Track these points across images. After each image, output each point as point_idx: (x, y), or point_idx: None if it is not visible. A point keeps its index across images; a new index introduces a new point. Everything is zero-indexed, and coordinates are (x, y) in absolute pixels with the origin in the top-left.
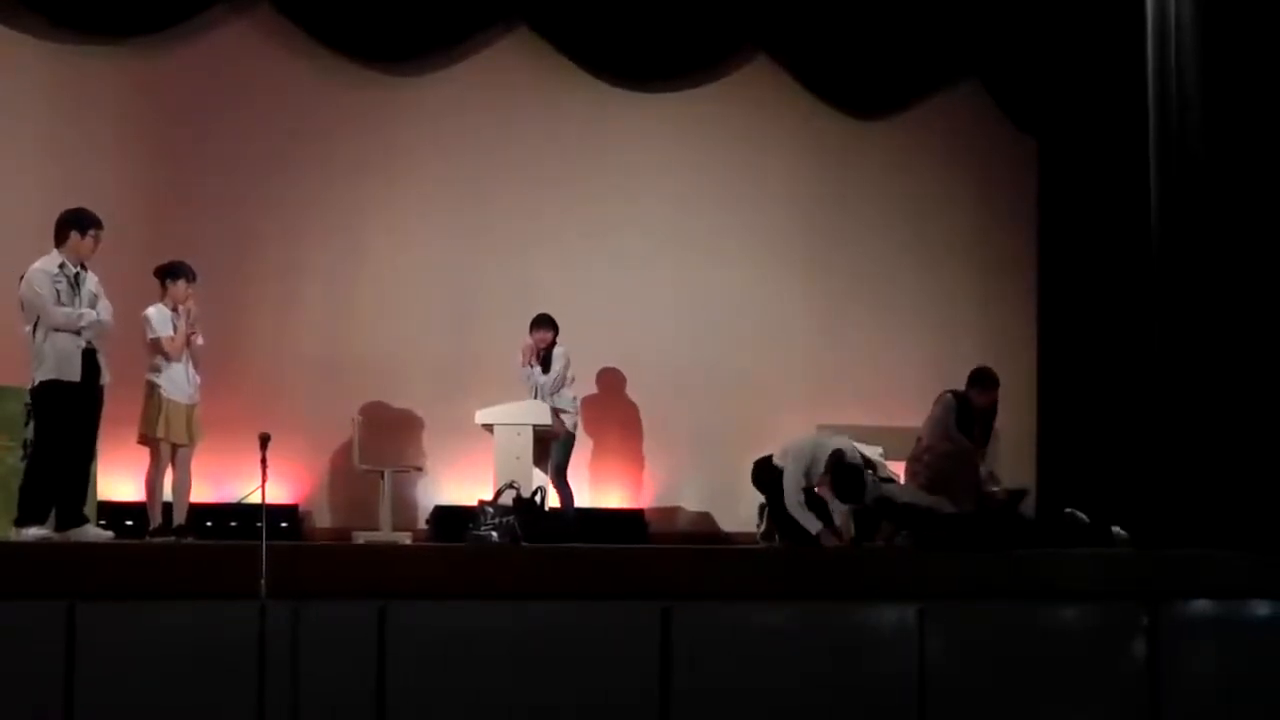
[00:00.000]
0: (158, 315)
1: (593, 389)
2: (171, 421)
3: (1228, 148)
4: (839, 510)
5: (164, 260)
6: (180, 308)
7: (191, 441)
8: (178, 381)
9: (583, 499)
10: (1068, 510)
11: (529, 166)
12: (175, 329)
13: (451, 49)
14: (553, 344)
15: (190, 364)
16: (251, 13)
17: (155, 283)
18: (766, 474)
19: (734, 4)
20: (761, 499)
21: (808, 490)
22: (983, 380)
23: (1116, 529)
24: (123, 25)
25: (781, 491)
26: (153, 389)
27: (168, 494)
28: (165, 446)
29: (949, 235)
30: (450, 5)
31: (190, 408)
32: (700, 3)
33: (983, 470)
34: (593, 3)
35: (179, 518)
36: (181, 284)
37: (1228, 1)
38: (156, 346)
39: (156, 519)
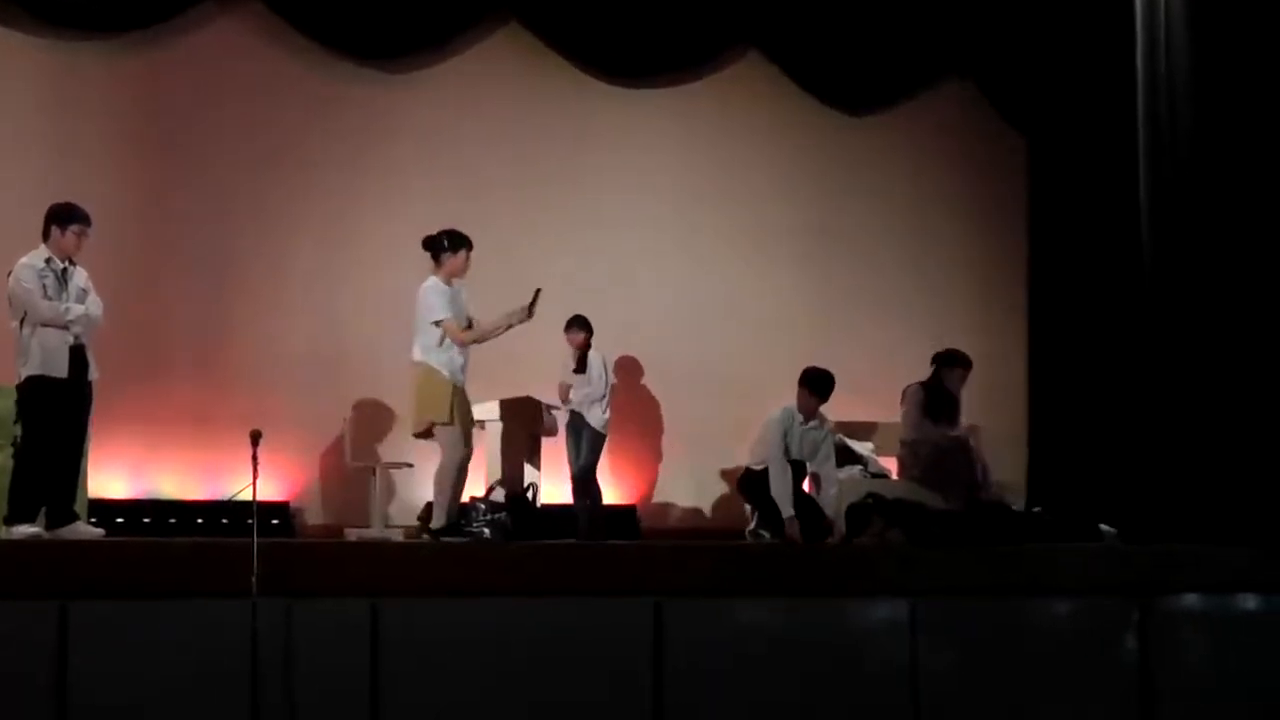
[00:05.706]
0: (436, 293)
1: None
2: (460, 406)
3: (1217, 145)
4: (828, 503)
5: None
6: (455, 282)
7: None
8: (458, 365)
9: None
10: (1035, 509)
11: (519, 162)
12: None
13: (442, 45)
14: (585, 345)
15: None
16: (242, 9)
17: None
18: (751, 480)
19: (725, 0)
20: None
21: (796, 491)
22: (962, 360)
23: (1105, 526)
24: (112, 21)
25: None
26: (431, 372)
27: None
28: (459, 431)
29: (939, 231)
30: (440, 1)
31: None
32: None
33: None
34: None
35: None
36: (463, 255)
37: (1218, 0)
38: (440, 329)
39: (450, 515)
